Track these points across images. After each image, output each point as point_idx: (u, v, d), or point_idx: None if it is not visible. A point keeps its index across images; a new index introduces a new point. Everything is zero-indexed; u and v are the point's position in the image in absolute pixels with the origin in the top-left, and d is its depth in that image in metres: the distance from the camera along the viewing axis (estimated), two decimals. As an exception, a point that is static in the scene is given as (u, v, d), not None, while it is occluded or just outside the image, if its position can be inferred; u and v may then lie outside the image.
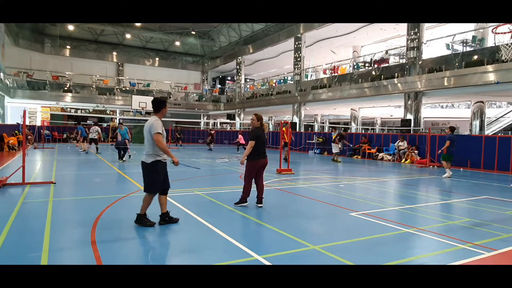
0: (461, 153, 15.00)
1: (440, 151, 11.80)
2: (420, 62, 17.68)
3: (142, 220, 4.84)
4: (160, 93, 34.29)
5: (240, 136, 22.03)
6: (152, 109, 5.00)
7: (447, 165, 11.28)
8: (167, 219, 4.95)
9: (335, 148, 16.45)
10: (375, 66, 20.74)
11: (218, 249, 4.02)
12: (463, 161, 14.79)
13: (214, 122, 41.79)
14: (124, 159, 13.80)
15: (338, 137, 16.77)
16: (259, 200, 6.33)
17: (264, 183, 6.58)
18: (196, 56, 41.40)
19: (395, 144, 17.40)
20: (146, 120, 5.05)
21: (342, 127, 19.58)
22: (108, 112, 33.87)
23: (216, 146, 27.13)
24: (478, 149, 14.49)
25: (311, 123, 35.33)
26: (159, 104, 4.91)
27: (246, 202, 6.34)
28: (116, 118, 34.03)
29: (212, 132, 25.06)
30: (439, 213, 6.28)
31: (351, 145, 19.77)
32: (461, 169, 14.21)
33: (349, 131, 17.78)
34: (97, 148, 17.56)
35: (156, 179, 4.76)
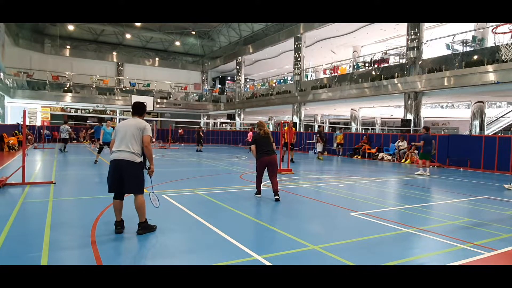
0: (461, 153, 15.02)
1: (413, 144, 13.21)
2: (420, 62, 17.68)
3: (148, 226, 4.50)
4: (160, 93, 34.32)
5: (250, 133, 21.83)
6: (133, 112, 4.66)
7: (426, 164, 11.79)
8: (144, 227, 4.50)
9: (319, 147, 17.31)
10: (375, 66, 20.74)
11: (218, 249, 4.02)
12: (463, 161, 14.79)
13: (214, 122, 41.82)
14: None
15: (318, 136, 17.70)
16: (275, 193, 6.84)
17: (276, 180, 6.97)
18: (196, 56, 41.41)
19: (395, 144, 17.41)
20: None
21: (319, 126, 20.05)
22: (108, 112, 33.87)
23: (207, 147, 27.04)
24: (478, 149, 14.49)
25: (311, 123, 35.35)
26: (143, 107, 4.73)
27: (259, 194, 7.16)
28: (116, 118, 34.04)
29: (199, 130, 23.34)
30: (439, 213, 6.28)
31: (328, 145, 20.42)
32: (461, 169, 14.21)
33: (326, 132, 18.31)
34: (64, 147, 17.52)
35: (143, 178, 4.52)
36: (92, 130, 19.17)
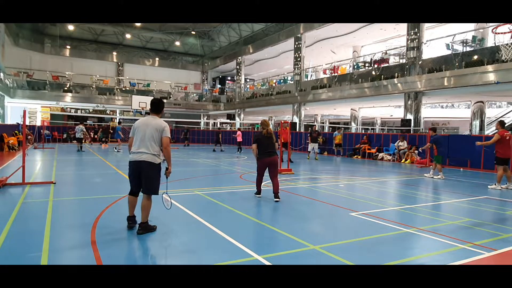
0: (461, 153, 15.00)
1: (421, 149, 13.30)
2: (420, 62, 17.68)
3: (148, 227, 4.50)
4: (160, 93, 34.32)
5: (238, 133, 21.98)
6: (151, 109, 4.66)
7: (440, 167, 10.99)
8: (144, 227, 4.50)
9: (310, 147, 17.23)
10: (375, 66, 20.74)
11: (218, 249, 4.02)
12: (463, 161, 14.78)
13: (214, 122, 41.82)
14: None
15: (309, 136, 17.73)
16: (275, 195, 6.82)
17: (277, 180, 6.96)
18: (196, 56, 41.41)
19: (395, 144, 17.40)
20: None
21: (311, 125, 20.05)
22: (108, 112, 33.86)
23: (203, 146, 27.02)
24: (478, 149, 14.47)
25: (311, 123, 35.35)
26: (162, 104, 4.70)
27: (259, 195, 7.18)
28: (116, 118, 34.05)
29: (219, 132, 25.11)
30: (439, 213, 6.28)
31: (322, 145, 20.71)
32: (461, 169, 14.21)
33: (319, 131, 18.32)
34: (81, 147, 18.12)
35: (160, 180, 4.57)
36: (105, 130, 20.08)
